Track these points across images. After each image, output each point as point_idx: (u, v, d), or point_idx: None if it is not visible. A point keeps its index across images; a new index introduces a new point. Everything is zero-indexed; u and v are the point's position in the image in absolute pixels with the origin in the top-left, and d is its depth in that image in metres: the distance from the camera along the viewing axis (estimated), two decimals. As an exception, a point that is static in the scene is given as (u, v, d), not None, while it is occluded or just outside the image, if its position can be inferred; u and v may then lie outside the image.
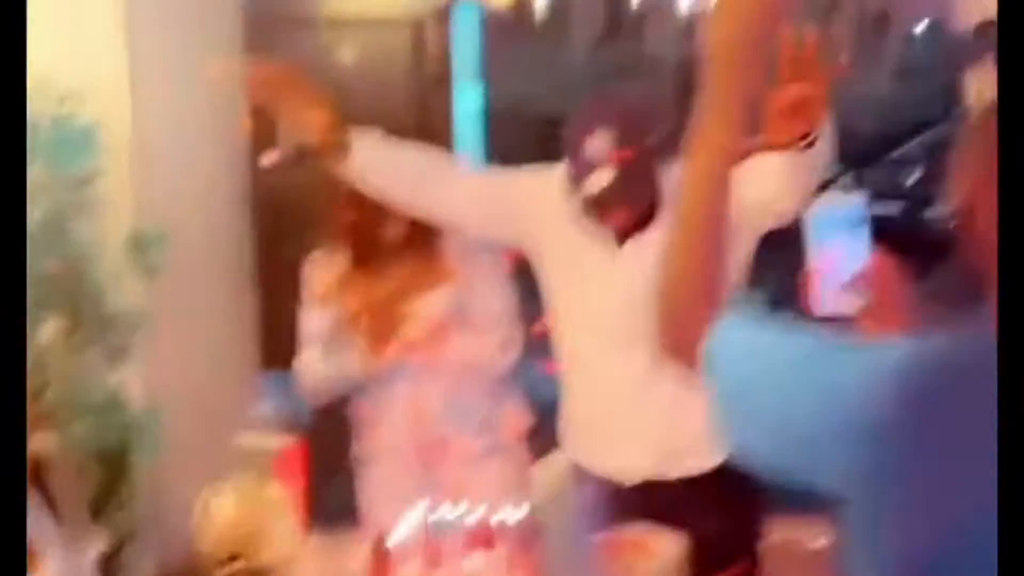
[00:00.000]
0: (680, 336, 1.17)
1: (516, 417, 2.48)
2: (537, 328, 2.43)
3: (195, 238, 3.09)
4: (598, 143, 2.01)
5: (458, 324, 2.36)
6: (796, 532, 2.12)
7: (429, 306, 2.35)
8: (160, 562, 2.89)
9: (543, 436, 2.50)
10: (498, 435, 2.45)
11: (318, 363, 2.41)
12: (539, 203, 2.21)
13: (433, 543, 2.02)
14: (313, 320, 2.44)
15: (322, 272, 2.45)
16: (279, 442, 2.48)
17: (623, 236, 2.16)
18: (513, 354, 2.40)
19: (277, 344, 3.27)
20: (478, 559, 2.01)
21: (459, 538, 2.03)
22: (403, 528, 1.99)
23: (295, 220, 3.14)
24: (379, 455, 2.46)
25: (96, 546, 2.33)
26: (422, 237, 2.36)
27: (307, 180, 2.95)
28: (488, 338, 2.36)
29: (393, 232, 2.37)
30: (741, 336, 1.11)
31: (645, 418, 2.19)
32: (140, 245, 2.81)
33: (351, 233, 2.37)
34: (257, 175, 3.41)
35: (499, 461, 2.43)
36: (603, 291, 2.15)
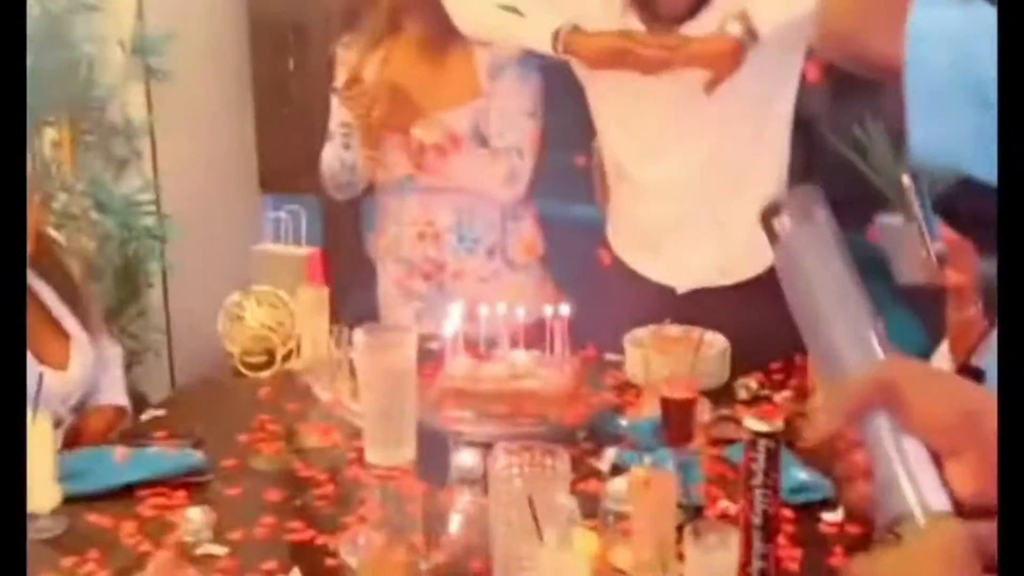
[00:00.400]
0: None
1: (530, 241, 2.55)
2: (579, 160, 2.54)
3: (194, 44, 3.02)
4: None
5: (472, 145, 2.39)
6: None
7: (449, 117, 2.39)
8: (183, 370, 2.94)
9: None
10: (509, 259, 2.52)
11: (336, 159, 2.49)
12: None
13: (474, 340, 2.06)
14: (336, 110, 2.50)
15: (352, 56, 2.49)
16: (301, 249, 2.49)
17: (676, 21, 2.19)
18: (519, 188, 2.45)
19: (273, 165, 3.40)
20: (523, 354, 2.03)
21: (501, 335, 2.07)
22: (448, 325, 2.02)
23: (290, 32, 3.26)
24: (387, 261, 2.56)
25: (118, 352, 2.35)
26: (457, 46, 2.40)
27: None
28: (495, 167, 2.40)
29: (427, 32, 2.40)
30: (948, 21, 1.04)
31: (693, 227, 2.30)
32: (145, 47, 2.76)
33: (386, 24, 2.42)
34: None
35: (510, 280, 2.51)
36: (650, 97, 2.23)
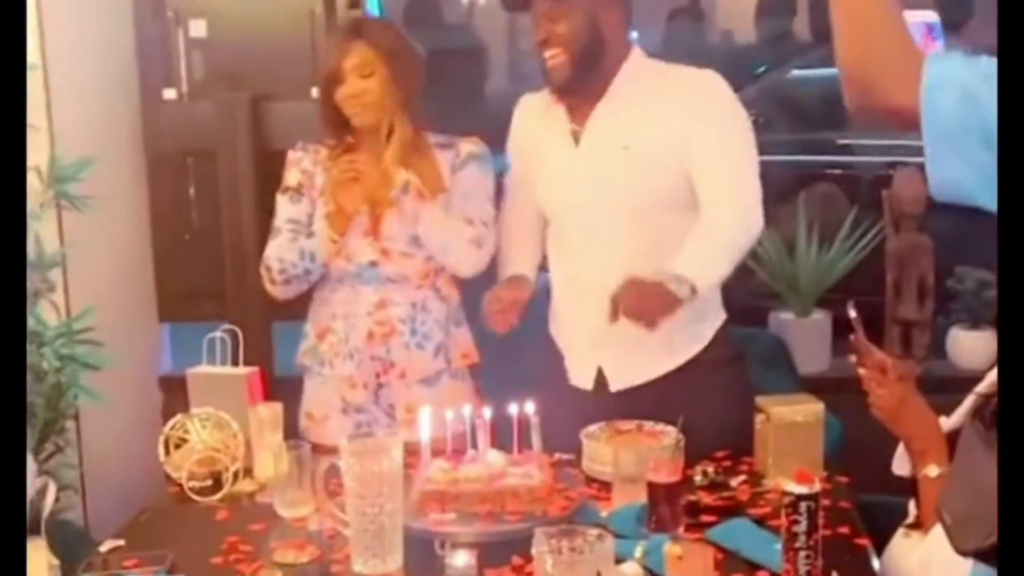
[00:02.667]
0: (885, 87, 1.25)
1: (466, 348, 2.61)
2: None
3: (96, 172, 2.89)
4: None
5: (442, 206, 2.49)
6: (783, 408, 2.28)
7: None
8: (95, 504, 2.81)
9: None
10: (450, 360, 2.57)
11: (288, 251, 2.49)
12: (522, 120, 2.58)
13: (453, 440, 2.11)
14: (285, 209, 2.54)
15: (302, 161, 2.56)
16: (240, 369, 2.48)
17: (575, 91, 2.43)
18: (486, 255, 2.52)
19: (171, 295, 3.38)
20: (495, 454, 2.08)
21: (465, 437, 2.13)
22: (422, 430, 2.06)
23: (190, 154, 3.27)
24: (333, 358, 2.56)
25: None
26: (419, 149, 2.50)
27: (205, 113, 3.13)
28: (467, 228, 2.48)
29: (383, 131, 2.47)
30: (957, 74, 1.18)
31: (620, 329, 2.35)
32: (60, 175, 2.67)
33: (339, 128, 2.48)
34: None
35: (448, 385, 2.57)
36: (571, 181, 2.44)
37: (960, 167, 1.19)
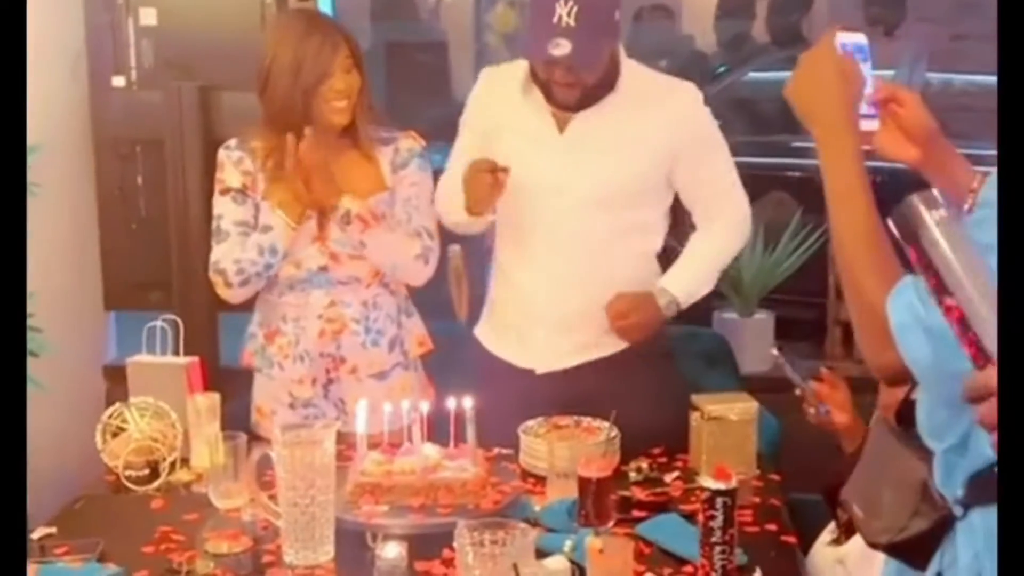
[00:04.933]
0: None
1: (420, 336, 2.62)
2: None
3: (44, 158, 2.83)
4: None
5: (388, 224, 2.48)
6: (718, 406, 2.32)
7: (360, 204, 2.44)
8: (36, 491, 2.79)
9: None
10: (405, 351, 2.58)
11: (244, 251, 2.46)
12: (491, 86, 2.57)
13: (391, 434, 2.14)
14: (230, 211, 2.48)
15: (241, 162, 2.50)
16: (180, 359, 2.48)
17: (575, 109, 2.43)
18: (431, 267, 2.53)
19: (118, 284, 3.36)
20: (431, 447, 2.10)
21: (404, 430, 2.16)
22: (359, 422, 2.08)
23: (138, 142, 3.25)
24: (283, 360, 2.54)
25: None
26: (361, 140, 2.48)
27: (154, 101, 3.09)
28: (411, 244, 2.48)
29: (331, 129, 2.45)
30: (914, 313, 1.18)
31: (559, 303, 2.47)
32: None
33: (287, 116, 2.41)
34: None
35: (400, 377, 2.57)
36: (548, 164, 2.45)
37: (946, 412, 1.22)
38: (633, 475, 2.27)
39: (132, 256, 3.33)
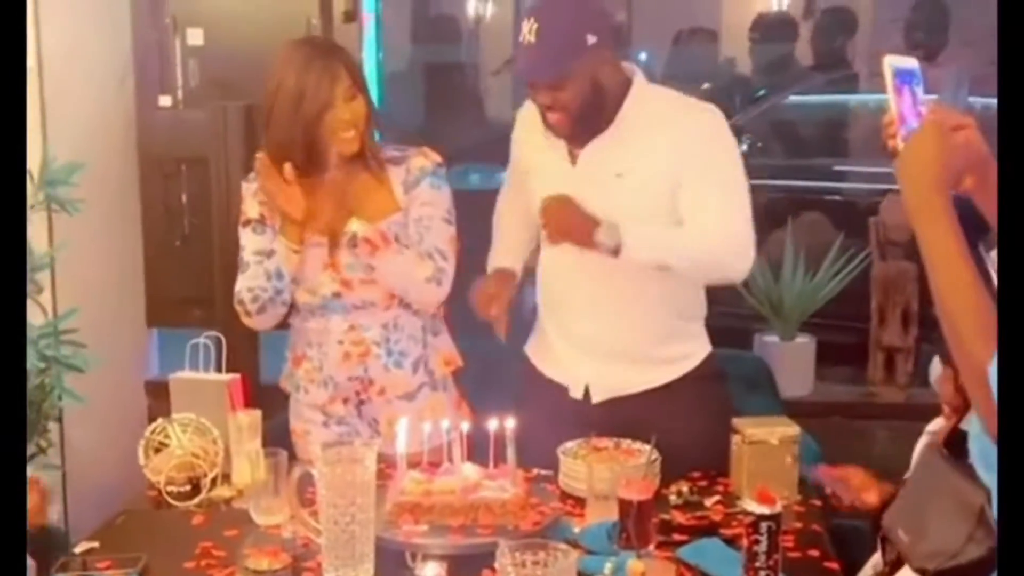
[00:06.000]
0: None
1: (447, 355, 2.61)
2: None
3: (88, 176, 2.79)
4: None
5: (399, 246, 2.46)
6: (759, 430, 2.30)
7: (367, 227, 2.42)
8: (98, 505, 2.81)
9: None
10: (431, 370, 2.57)
11: (255, 279, 2.47)
12: (524, 127, 2.58)
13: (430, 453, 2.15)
14: (250, 241, 2.50)
15: (257, 193, 2.50)
16: (222, 376, 2.51)
17: (577, 139, 2.43)
18: (445, 288, 2.50)
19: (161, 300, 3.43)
20: (471, 467, 2.10)
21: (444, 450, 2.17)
22: (398, 442, 2.09)
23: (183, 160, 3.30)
24: (308, 384, 2.56)
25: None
26: (370, 164, 2.47)
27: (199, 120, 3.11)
28: (422, 267, 2.46)
29: (340, 156, 2.44)
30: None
31: (609, 335, 2.46)
32: (51, 177, 2.57)
33: (291, 147, 2.40)
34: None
35: (430, 397, 2.56)
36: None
37: None
38: (673, 498, 2.25)
39: (175, 273, 3.36)
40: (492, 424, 2.11)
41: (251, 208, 2.52)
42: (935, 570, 1.32)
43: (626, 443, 2.35)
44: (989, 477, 1.22)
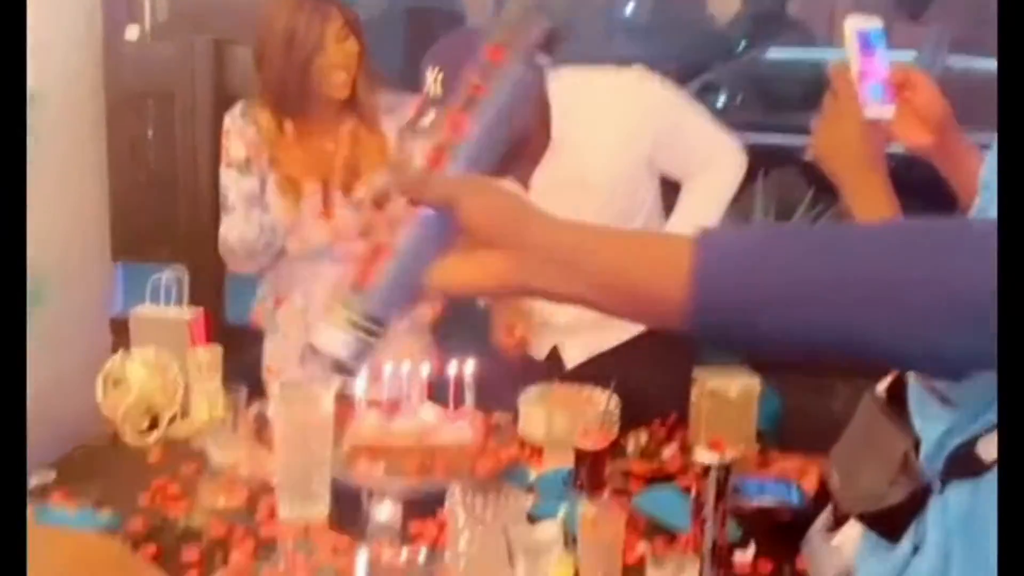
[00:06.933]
0: None
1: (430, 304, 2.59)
2: None
3: (51, 108, 2.82)
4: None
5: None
6: (718, 380, 2.30)
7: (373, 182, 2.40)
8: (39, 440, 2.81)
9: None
10: (412, 319, 2.57)
11: (247, 227, 2.44)
12: None
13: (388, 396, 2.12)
14: (236, 183, 2.46)
15: (246, 132, 2.46)
16: (184, 312, 2.48)
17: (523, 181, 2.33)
18: None
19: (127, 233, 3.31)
20: (430, 410, 2.09)
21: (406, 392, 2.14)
22: (357, 382, 2.05)
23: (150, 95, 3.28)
24: (288, 327, 2.55)
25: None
26: (364, 111, 2.43)
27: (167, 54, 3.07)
28: None
29: (331, 100, 2.41)
30: None
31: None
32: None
33: (285, 90, 2.37)
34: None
35: (405, 342, 2.54)
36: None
37: None
38: (631, 447, 2.26)
39: (141, 208, 3.33)
40: (452, 367, 2.11)
41: (236, 148, 2.48)
42: (860, 514, 1.32)
43: (587, 390, 2.35)
44: (921, 424, 1.22)
